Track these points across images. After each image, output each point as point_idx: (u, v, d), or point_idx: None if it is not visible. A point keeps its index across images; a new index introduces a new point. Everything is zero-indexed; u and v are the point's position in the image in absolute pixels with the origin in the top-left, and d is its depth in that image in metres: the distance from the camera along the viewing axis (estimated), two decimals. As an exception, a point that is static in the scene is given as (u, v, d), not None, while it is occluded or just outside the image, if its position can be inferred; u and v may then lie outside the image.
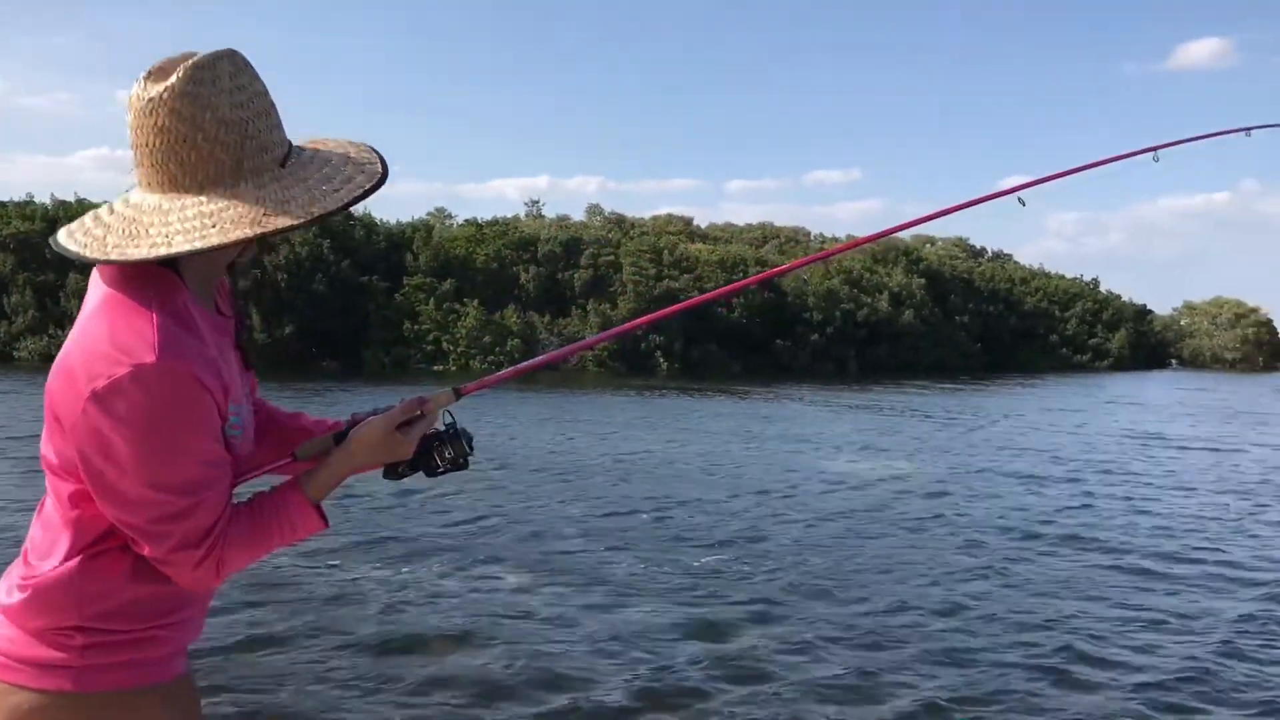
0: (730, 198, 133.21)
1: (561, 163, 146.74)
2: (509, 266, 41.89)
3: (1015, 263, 71.44)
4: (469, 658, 5.45)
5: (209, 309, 1.60)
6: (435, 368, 37.27)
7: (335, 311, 37.00)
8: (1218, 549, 8.89)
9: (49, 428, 1.50)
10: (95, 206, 1.59)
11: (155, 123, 1.44)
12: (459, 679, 5.12)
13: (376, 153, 1.59)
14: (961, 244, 75.61)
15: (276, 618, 5.95)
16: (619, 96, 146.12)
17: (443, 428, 1.73)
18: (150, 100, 1.44)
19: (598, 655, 5.54)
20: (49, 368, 1.50)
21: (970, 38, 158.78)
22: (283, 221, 1.44)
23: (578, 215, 63.48)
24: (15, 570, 1.59)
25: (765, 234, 71.64)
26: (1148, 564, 8.19)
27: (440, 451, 1.72)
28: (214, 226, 1.43)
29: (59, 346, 1.49)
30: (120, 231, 1.47)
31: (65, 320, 31.85)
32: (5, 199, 38.15)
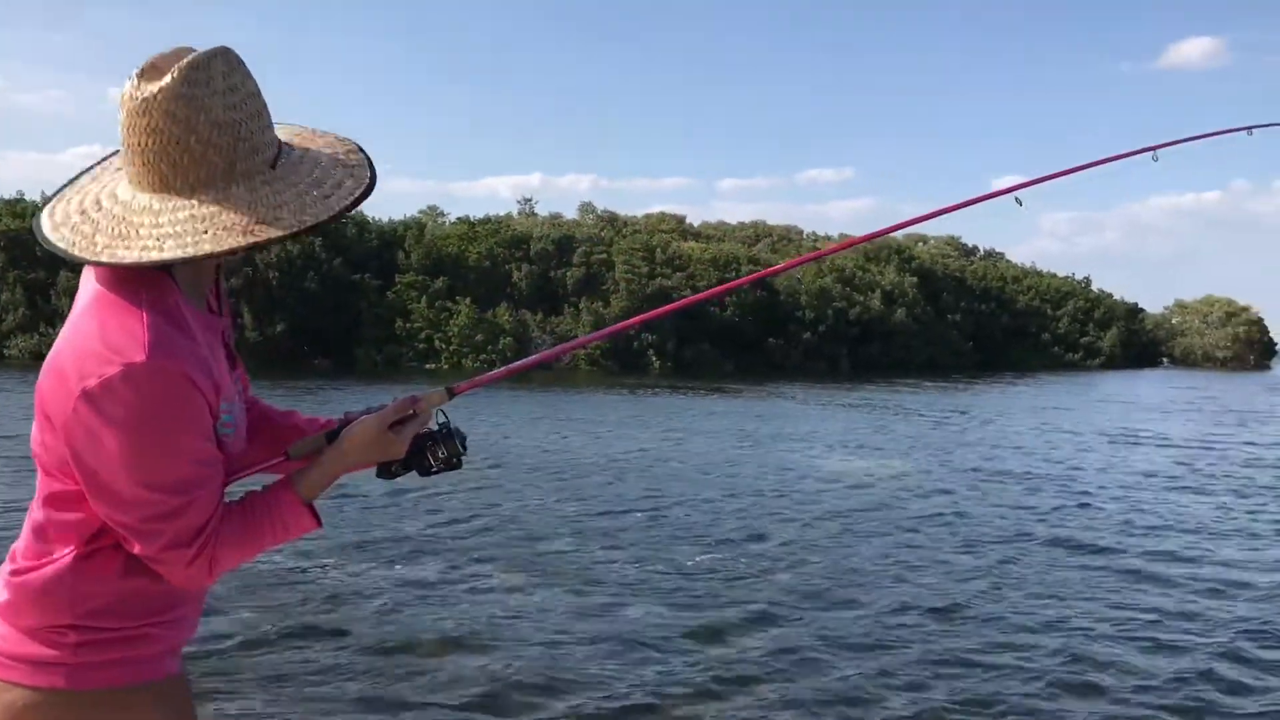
0: (722, 196, 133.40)
1: (554, 161, 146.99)
2: (501, 265, 41.87)
3: (1007, 261, 71.73)
4: (463, 658, 5.45)
5: (200, 307, 1.59)
6: (427, 366, 37.24)
7: (327, 309, 36.96)
8: (1212, 549, 8.90)
9: (40, 426, 1.50)
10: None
11: (148, 123, 1.43)
12: (453, 680, 5.11)
13: (364, 154, 1.58)
14: (954, 243, 75.79)
15: (270, 618, 5.93)
16: (611, 95, 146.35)
17: (436, 427, 1.73)
18: (143, 100, 1.43)
19: (591, 656, 5.54)
20: (40, 366, 1.49)
21: (963, 37, 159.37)
22: (274, 232, 1.44)
23: (570, 213, 63.43)
24: (6, 568, 1.58)
25: (758, 232, 71.61)
26: (1142, 564, 8.20)
27: (433, 451, 1.71)
28: (206, 232, 1.43)
29: (50, 344, 1.48)
30: (110, 231, 1.46)
31: (56, 318, 31.78)
32: (-4, 196, 38.11)
